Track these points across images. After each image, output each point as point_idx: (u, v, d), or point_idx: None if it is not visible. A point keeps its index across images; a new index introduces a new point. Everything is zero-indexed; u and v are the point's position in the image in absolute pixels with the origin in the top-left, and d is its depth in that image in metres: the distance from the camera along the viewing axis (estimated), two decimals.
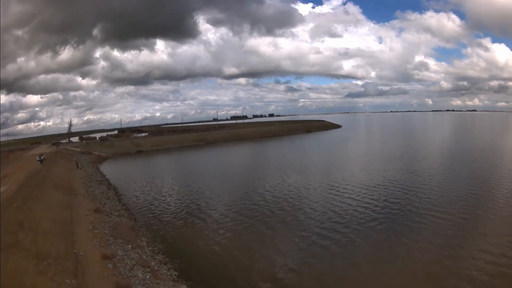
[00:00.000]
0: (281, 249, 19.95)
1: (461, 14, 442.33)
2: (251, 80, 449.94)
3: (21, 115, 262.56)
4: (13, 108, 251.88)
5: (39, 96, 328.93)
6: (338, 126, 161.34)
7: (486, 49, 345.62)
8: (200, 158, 69.99)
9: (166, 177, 46.44)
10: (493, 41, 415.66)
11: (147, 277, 14.90)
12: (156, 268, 16.64)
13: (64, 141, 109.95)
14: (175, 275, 16.62)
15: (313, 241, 20.78)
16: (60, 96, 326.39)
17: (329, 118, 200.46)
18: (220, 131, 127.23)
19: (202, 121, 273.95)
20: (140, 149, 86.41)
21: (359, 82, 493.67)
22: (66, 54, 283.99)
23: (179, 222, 25.64)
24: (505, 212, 24.28)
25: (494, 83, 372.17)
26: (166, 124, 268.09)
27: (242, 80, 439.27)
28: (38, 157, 49.71)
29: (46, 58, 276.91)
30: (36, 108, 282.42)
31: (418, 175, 38.35)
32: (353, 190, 32.31)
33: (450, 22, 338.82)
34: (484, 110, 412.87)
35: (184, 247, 20.64)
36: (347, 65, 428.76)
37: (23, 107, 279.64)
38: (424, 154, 56.50)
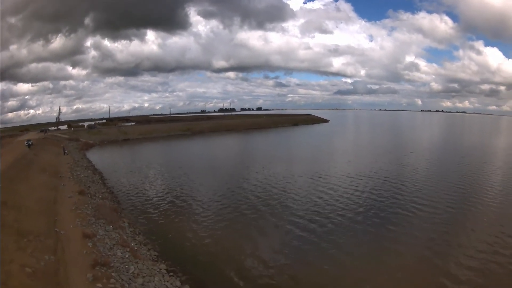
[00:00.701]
0: (256, 238, 19.95)
1: (454, 16, 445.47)
2: (240, 75, 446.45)
3: (11, 103, 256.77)
4: (3, 96, 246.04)
5: (29, 84, 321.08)
6: (325, 121, 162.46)
7: (478, 52, 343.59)
8: (186, 147, 70.28)
9: (151, 164, 46.63)
10: (486, 45, 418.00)
11: (126, 256, 15.39)
12: (136, 248, 17.13)
13: (52, 128, 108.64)
14: (154, 255, 17.14)
15: (291, 231, 20.63)
16: (50, 85, 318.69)
17: (317, 113, 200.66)
18: (207, 122, 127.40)
19: (190, 113, 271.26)
20: (127, 137, 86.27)
21: (349, 80, 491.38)
22: (58, 42, 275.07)
23: (162, 206, 26.13)
24: (492, 206, 24.64)
25: (486, 86, 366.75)
26: (154, 114, 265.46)
27: (231, 74, 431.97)
28: (26, 142, 49.98)
29: (38, 47, 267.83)
30: (27, 96, 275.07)
31: (404, 169, 39.11)
32: (337, 182, 32.55)
33: (442, 24, 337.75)
34: (474, 113, 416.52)
35: (165, 229, 21.13)
36: (337, 63, 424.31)
37: (13, 95, 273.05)
38: (412, 149, 57.89)
